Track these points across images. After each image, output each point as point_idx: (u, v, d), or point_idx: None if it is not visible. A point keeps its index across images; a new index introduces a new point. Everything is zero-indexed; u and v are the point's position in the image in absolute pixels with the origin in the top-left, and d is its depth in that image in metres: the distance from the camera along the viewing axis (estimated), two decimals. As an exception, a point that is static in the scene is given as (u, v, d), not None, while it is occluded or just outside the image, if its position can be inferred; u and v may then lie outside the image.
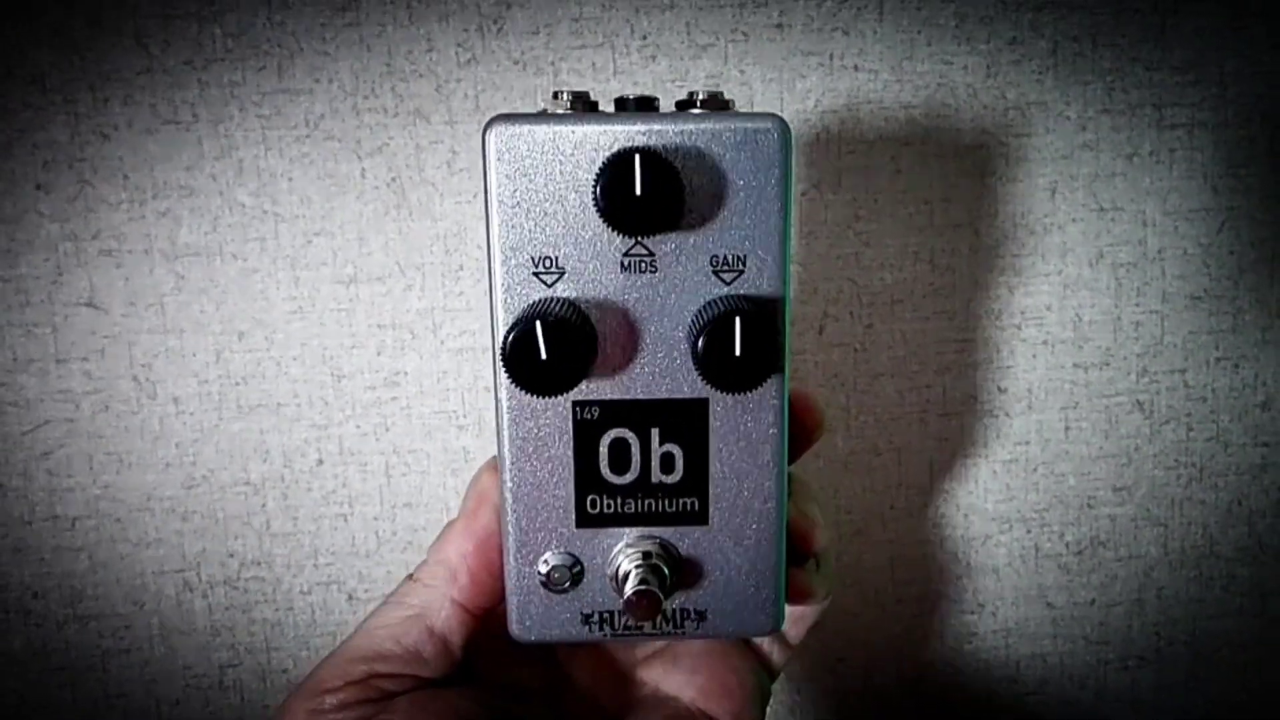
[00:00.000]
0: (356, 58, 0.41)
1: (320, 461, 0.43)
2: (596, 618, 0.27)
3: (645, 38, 0.41)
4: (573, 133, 0.25)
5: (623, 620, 0.27)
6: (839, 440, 0.44)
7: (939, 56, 0.42)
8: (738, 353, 0.24)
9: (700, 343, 0.24)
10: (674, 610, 0.28)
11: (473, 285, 0.42)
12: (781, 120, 0.25)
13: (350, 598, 0.44)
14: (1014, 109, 0.43)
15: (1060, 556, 0.46)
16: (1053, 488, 0.45)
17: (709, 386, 0.25)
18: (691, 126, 0.25)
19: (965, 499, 0.45)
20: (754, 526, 0.27)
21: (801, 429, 0.30)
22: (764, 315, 0.24)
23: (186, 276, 0.41)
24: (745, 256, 0.25)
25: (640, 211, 0.24)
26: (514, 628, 0.28)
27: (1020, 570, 0.46)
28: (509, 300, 0.25)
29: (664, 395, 0.26)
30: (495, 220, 0.25)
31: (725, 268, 0.26)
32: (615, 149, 0.24)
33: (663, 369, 0.26)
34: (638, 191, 0.24)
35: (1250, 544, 0.46)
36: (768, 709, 0.33)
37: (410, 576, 0.30)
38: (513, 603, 0.28)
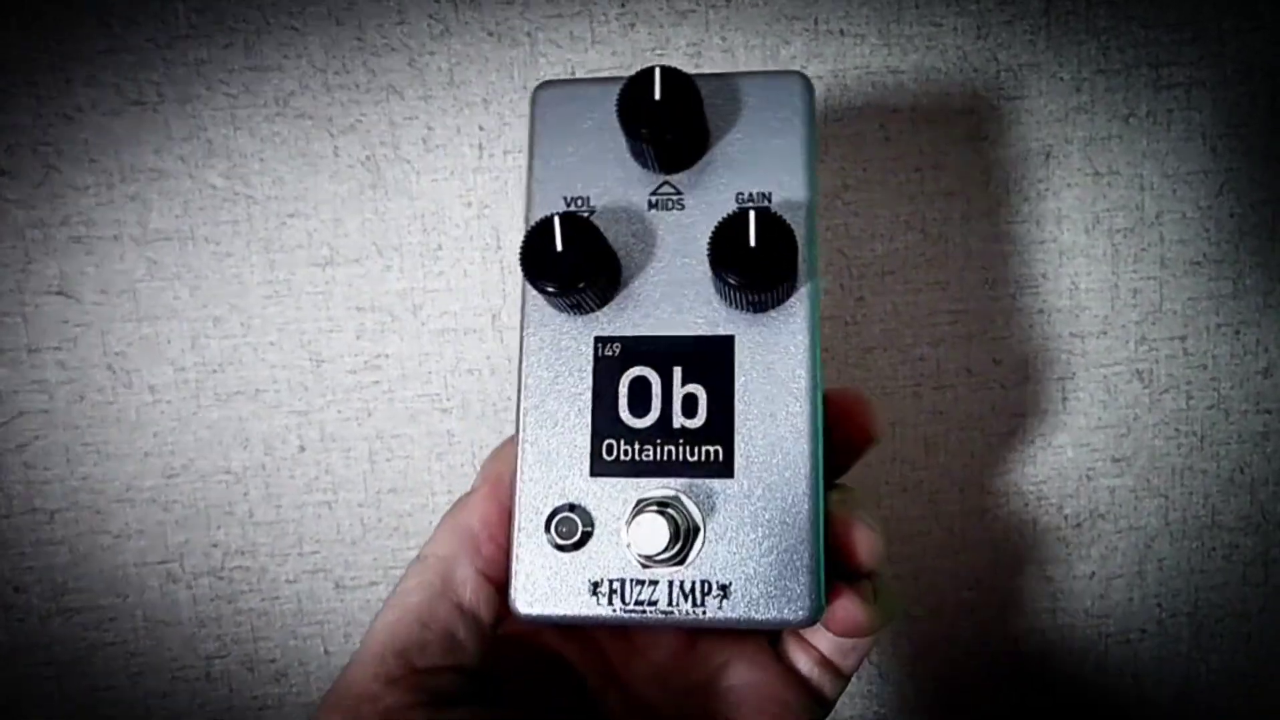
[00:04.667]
0: (326, 32, 0.39)
1: (302, 448, 0.42)
2: (605, 587, 0.24)
3: (624, 5, 0.40)
4: (608, 85, 0.26)
5: (634, 592, 0.24)
6: (831, 416, 0.43)
7: (927, 18, 0.41)
8: (752, 243, 0.23)
9: (714, 240, 0.23)
10: (692, 583, 0.24)
11: (452, 265, 0.41)
12: (803, 75, 0.27)
13: (337, 586, 0.43)
14: (1006, 71, 0.41)
15: (1059, 530, 0.45)
16: (1050, 460, 0.44)
17: (733, 314, 0.25)
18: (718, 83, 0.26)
19: (960, 473, 0.44)
20: (786, 481, 0.24)
21: (850, 434, 0.27)
22: (778, 218, 0.23)
23: (159, 262, 0.40)
24: (770, 193, 0.25)
25: (657, 119, 0.24)
26: (517, 599, 0.25)
27: (1018, 544, 0.45)
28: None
29: (687, 332, 0.25)
30: (534, 168, 0.27)
31: (750, 203, 0.25)
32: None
33: (687, 304, 0.25)
34: (656, 96, 0.24)
35: (1253, 513, 0.45)
36: None
37: (419, 557, 0.27)
38: (518, 568, 0.25)
